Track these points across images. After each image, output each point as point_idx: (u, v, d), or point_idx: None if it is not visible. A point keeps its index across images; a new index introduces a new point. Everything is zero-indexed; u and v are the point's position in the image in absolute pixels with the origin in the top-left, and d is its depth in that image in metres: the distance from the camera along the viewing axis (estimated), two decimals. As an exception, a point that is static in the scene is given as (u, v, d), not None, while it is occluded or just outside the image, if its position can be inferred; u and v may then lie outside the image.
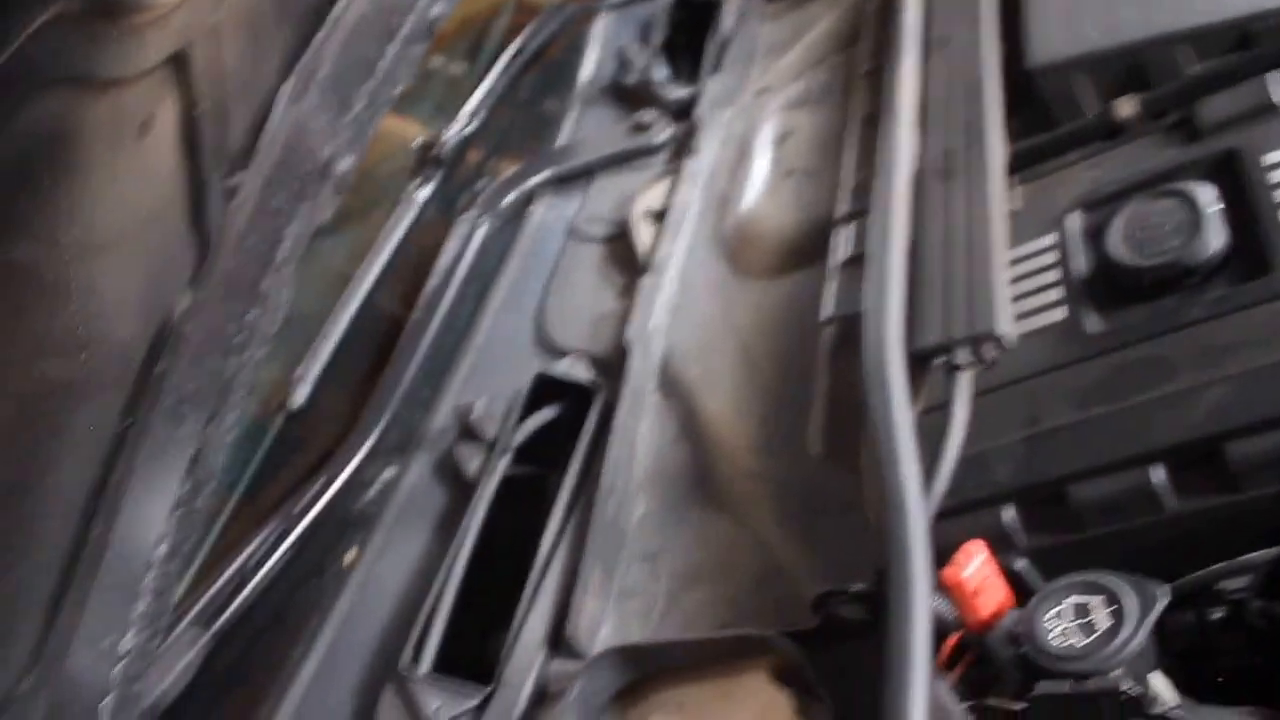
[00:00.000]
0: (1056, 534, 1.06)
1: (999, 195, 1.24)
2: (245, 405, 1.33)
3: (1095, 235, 1.18)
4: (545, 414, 1.49)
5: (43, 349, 1.03)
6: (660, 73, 1.95)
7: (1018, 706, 0.95)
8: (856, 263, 1.30)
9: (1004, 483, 1.08)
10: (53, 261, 0.99)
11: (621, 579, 1.31)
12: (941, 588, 0.97)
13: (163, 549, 1.20)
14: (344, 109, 1.39)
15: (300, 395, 1.59)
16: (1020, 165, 1.31)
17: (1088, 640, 0.91)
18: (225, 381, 1.26)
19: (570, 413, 1.49)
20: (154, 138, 1.05)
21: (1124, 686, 0.89)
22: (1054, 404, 1.10)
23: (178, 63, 1.04)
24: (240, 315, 1.27)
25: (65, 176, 0.95)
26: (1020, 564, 1.03)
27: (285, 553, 1.45)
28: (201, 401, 1.24)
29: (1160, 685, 0.92)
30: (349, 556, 1.48)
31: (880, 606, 0.95)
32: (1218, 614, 0.95)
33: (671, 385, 1.47)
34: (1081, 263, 1.18)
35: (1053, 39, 1.33)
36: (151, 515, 1.19)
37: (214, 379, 1.25)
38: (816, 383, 1.31)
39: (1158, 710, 0.89)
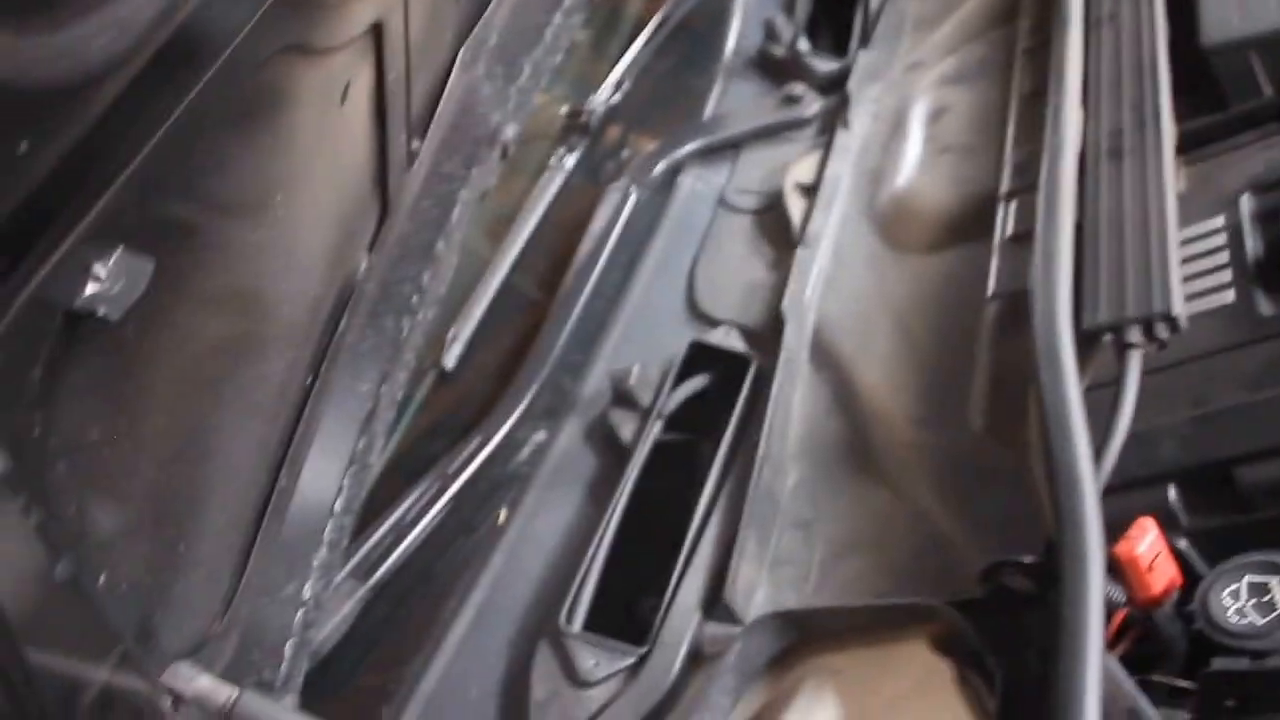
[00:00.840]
0: (1221, 515, 1.06)
1: (1170, 176, 1.25)
2: (414, 367, 1.39)
3: (1269, 217, 1.19)
4: (699, 381, 1.52)
5: (237, 307, 1.08)
6: (806, 45, 1.96)
7: (1187, 684, 0.97)
8: (1022, 240, 1.32)
9: (1169, 462, 1.09)
10: (256, 222, 1.04)
11: (775, 546, 1.33)
12: (1114, 563, 0.99)
13: (340, 502, 1.26)
14: (511, 77, 1.44)
15: (453, 356, 1.65)
16: (1187, 146, 1.32)
17: (1267, 619, 0.93)
18: (399, 341, 1.32)
19: (722, 382, 1.52)
20: (351, 104, 1.10)
21: (1306, 665, 0.90)
22: (1223, 385, 1.11)
23: (375, 32, 1.09)
24: (415, 276, 1.33)
25: (279, 141, 1.00)
26: (1181, 544, 1.04)
27: (440, 510, 1.50)
28: (377, 360, 1.30)
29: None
30: (501, 516, 1.52)
31: (1050, 579, 0.97)
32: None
33: (825, 357, 1.49)
34: (1254, 245, 1.18)
35: (1229, 18, 1.33)
36: (330, 470, 1.25)
37: (389, 338, 1.30)
38: (978, 358, 1.32)
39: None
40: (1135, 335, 1.14)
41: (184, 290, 0.95)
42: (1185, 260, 1.21)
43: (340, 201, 1.18)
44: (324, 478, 1.24)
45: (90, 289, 0.80)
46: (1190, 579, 1.01)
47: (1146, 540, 0.99)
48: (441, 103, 1.31)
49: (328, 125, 1.09)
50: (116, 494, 0.90)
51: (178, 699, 0.95)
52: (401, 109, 1.20)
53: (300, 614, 1.21)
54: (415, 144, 1.27)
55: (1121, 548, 0.99)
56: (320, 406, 1.21)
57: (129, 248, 0.81)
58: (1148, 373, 1.13)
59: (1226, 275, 1.19)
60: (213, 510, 1.07)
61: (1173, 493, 1.08)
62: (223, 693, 0.96)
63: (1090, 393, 1.13)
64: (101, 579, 0.86)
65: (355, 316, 1.24)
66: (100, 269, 0.79)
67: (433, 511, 1.50)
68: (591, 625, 1.34)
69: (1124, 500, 1.08)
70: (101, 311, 0.80)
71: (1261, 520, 1.05)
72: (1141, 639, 1.02)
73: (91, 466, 0.87)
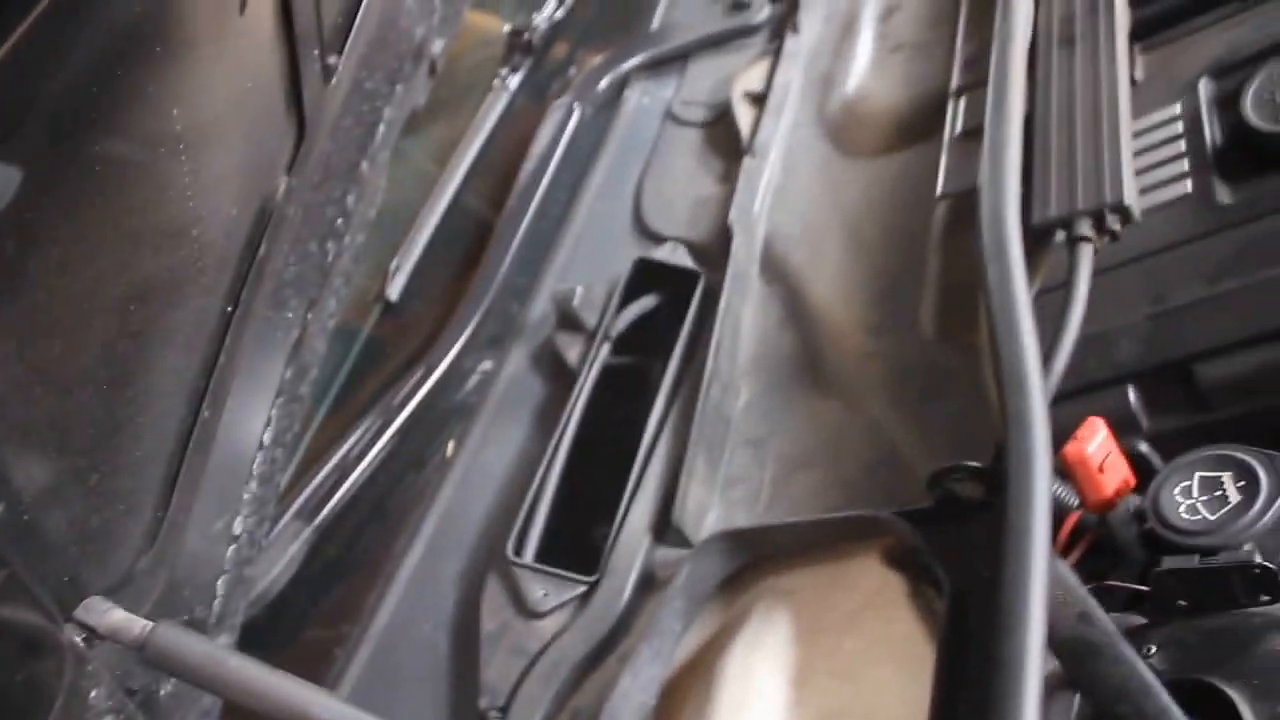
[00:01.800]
0: (1181, 415, 1.04)
1: (1123, 63, 1.21)
2: (345, 293, 1.35)
3: (1228, 102, 1.15)
4: (646, 301, 1.49)
5: (145, 239, 1.04)
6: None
7: (1141, 588, 0.95)
8: (972, 136, 1.28)
9: (1126, 362, 1.07)
10: (151, 149, 1.00)
11: (727, 466, 1.32)
12: (1063, 466, 0.97)
13: (268, 434, 1.23)
14: (437, -11, 1.39)
15: (396, 287, 1.62)
16: (1144, 32, 1.28)
17: (1218, 514, 0.90)
18: (325, 267, 1.28)
19: (671, 300, 1.50)
20: (251, 16, 1.06)
21: (1258, 559, 0.87)
22: (1181, 280, 1.08)
23: (271, -68, 1.04)
24: (339, 199, 1.28)
25: (165, 59, 0.95)
26: (1142, 447, 1.02)
27: (385, 445, 1.48)
28: (303, 287, 1.26)
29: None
30: (449, 448, 1.50)
31: (999, 484, 0.95)
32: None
33: (776, 270, 1.46)
34: (1212, 132, 1.15)
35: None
36: (257, 401, 1.22)
37: (314, 264, 1.27)
38: (929, 262, 1.30)
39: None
40: (1085, 228, 1.11)
41: (79, 212, 0.92)
42: (1141, 151, 1.17)
43: (250, 119, 1.13)
44: (250, 408, 1.20)
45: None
46: (1148, 482, 0.98)
47: (1096, 440, 0.97)
48: (359, 15, 1.26)
49: (226, 36, 1.04)
50: (11, 421, 0.87)
51: (91, 634, 0.92)
52: (311, 20, 1.15)
53: (232, 550, 1.18)
54: (332, 59, 1.22)
55: (1070, 449, 0.97)
56: (242, 335, 1.17)
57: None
58: (1102, 271, 1.11)
59: (1184, 165, 1.15)
60: (127, 442, 1.04)
61: (1132, 394, 1.05)
62: (137, 625, 0.93)
63: (1045, 296, 1.10)
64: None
65: (276, 241, 1.20)
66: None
67: (378, 447, 1.48)
68: (542, 555, 1.33)
69: (1083, 405, 1.05)
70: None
71: (1222, 419, 1.03)
72: (1096, 544, 1.00)
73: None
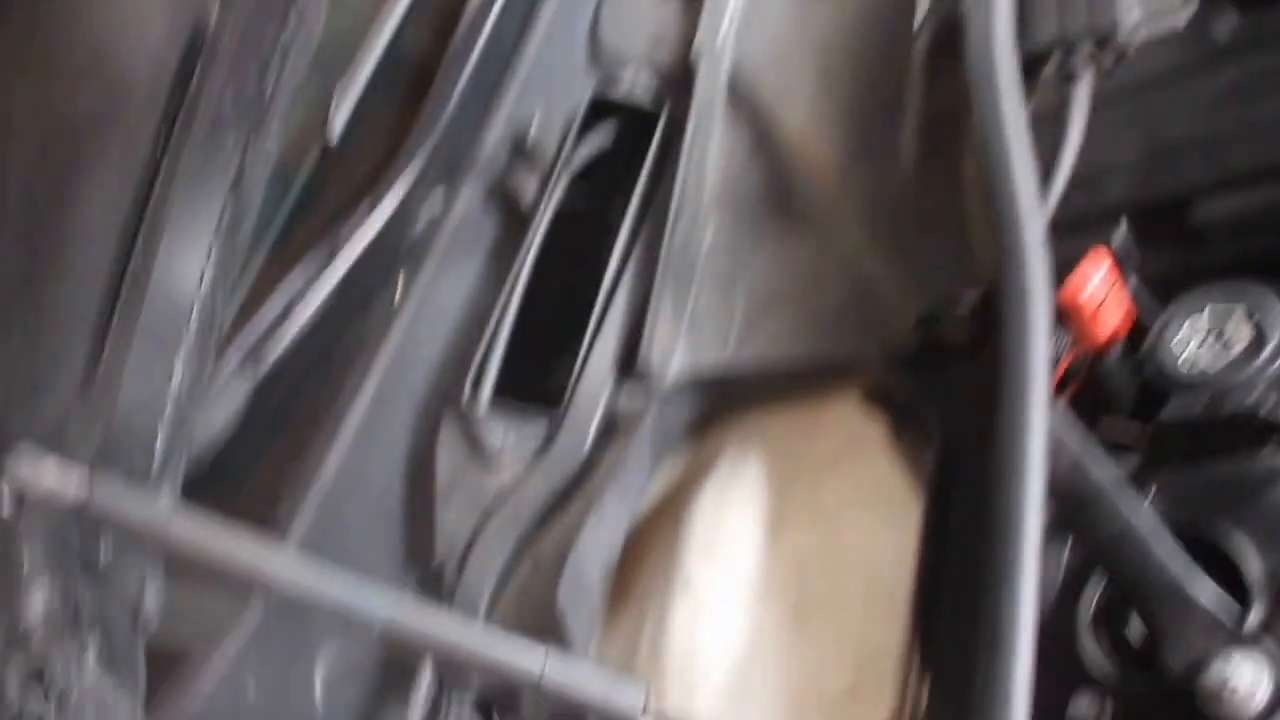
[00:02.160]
0: (1176, 254, 1.00)
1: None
2: (283, 132, 1.28)
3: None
4: (605, 132, 1.42)
5: (63, 70, 0.97)
6: None
7: (1135, 430, 0.91)
8: (956, -45, 1.21)
9: (1119, 198, 1.02)
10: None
11: (694, 305, 1.27)
12: (1058, 307, 0.92)
13: (207, 278, 1.17)
14: None
15: (338, 126, 1.53)
16: None
17: (1226, 360, 0.87)
18: (263, 100, 1.20)
19: (631, 134, 1.43)
20: None
21: (1266, 409, 0.84)
22: (1178, 114, 1.03)
23: None
24: (275, 28, 1.20)
25: None
26: (1132, 283, 0.98)
27: (331, 291, 1.41)
28: (239, 122, 1.19)
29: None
30: (398, 291, 1.44)
31: (989, 326, 0.90)
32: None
33: (744, 100, 1.39)
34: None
35: None
36: (193, 243, 1.15)
37: (251, 97, 1.19)
38: (909, 92, 1.24)
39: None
40: (1082, 56, 1.05)
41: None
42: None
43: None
44: (186, 251, 1.13)
45: None
46: (1138, 326, 0.95)
47: (1097, 276, 0.93)
48: None
49: None
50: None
51: (22, 487, 0.87)
52: None
53: (171, 398, 1.12)
54: None
55: (1068, 290, 0.92)
56: (176, 173, 1.10)
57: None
58: (1094, 108, 1.05)
59: (1183, -10, 1.08)
60: (54, 286, 0.98)
61: (1124, 231, 1.00)
62: (75, 477, 0.88)
63: (1033, 128, 1.05)
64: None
65: (209, 74, 1.12)
66: None
67: (323, 291, 1.41)
68: (502, 395, 1.29)
69: (1069, 244, 1.00)
70: None
71: (1217, 260, 0.98)
72: (1087, 386, 0.96)
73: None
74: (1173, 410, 0.88)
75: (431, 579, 1.22)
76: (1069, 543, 0.89)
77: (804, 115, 1.34)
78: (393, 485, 1.30)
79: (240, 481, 1.36)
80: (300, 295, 1.40)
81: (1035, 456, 0.80)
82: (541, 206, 1.38)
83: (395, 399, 1.35)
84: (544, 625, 1.11)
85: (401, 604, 0.90)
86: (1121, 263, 0.99)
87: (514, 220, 1.42)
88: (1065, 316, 0.93)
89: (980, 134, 0.99)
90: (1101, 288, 0.93)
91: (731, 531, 1.12)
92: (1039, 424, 0.82)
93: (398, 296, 1.43)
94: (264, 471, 1.38)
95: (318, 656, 1.17)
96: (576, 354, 1.27)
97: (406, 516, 1.28)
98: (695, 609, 1.10)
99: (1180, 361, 0.89)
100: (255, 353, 1.36)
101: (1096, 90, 1.05)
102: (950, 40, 1.16)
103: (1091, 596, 0.87)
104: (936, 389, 1.02)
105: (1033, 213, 0.92)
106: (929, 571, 0.96)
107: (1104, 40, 1.04)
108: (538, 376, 1.33)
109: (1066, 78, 1.05)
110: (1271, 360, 0.85)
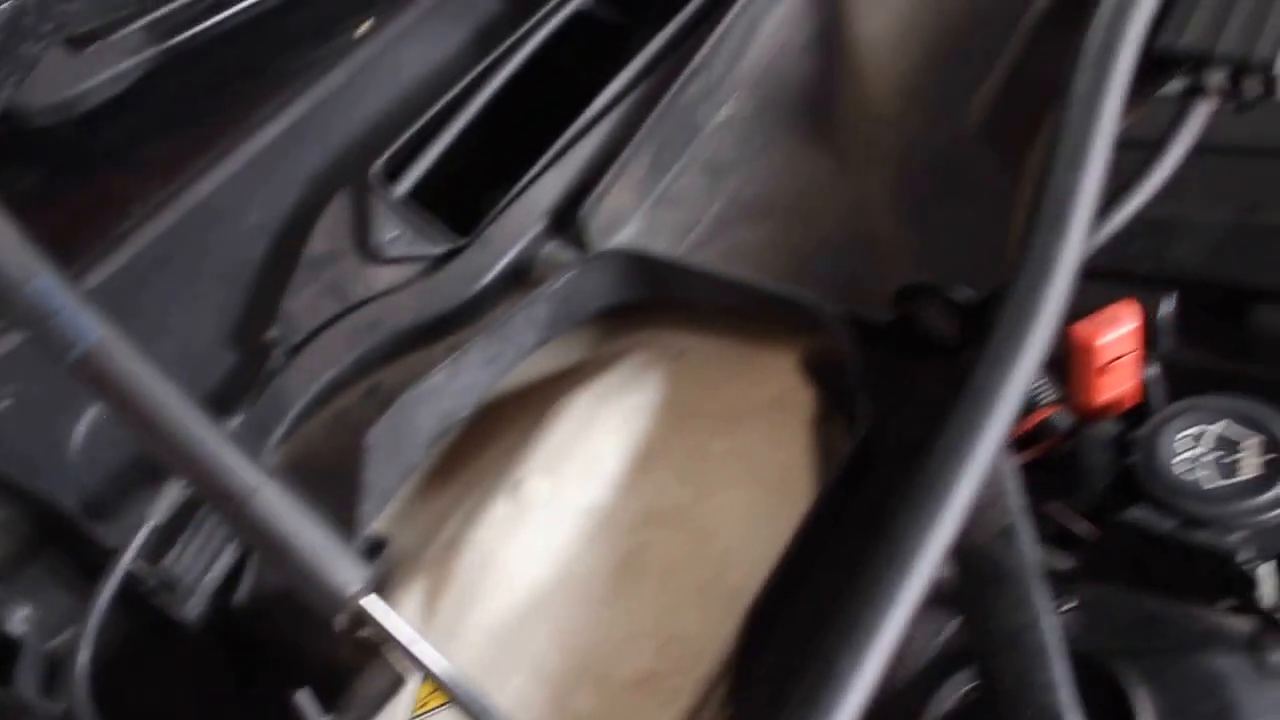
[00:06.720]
0: (1216, 353, 0.92)
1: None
2: None
3: None
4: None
5: None
6: None
7: (1085, 527, 0.82)
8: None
9: (1181, 265, 0.94)
10: None
11: (671, 181, 1.18)
12: (1063, 344, 0.82)
13: None
14: None
15: None
16: None
17: (1224, 482, 0.77)
18: None
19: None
20: None
21: (1242, 556, 0.75)
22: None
23: None
24: None
25: None
26: (1151, 371, 0.88)
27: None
28: None
29: (1269, 578, 0.77)
30: (363, 28, 1.34)
31: (981, 326, 0.80)
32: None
33: (829, -17, 1.28)
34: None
35: None
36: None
37: None
38: (1006, 48, 1.13)
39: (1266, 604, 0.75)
40: (1216, 78, 0.93)
41: None
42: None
43: None
44: None
45: None
46: (1143, 410, 0.86)
47: (1124, 329, 0.82)
48: None
49: None
50: None
51: None
52: None
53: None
54: None
55: (1082, 327, 0.82)
56: None
57: None
58: (1198, 150, 0.94)
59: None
60: None
61: (1170, 305, 0.90)
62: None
63: (1123, 150, 0.94)
64: None
65: None
66: None
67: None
68: (413, 197, 1.19)
69: (1103, 290, 0.89)
70: None
71: (1259, 375, 0.89)
72: (1053, 454, 0.86)
73: None
74: (1140, 515, 0.78)
75: (254, 355, 1.13)
76: (953, 622, 0.80)
77: (888, 27, 1.24)
78: (257, 237, 1.21)
79: (104, 157, 1.28)
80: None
81: (963, 494, 0.70)
82: (559, -6, 1.28)
83: (307, 142, 1.25)
84: (344, 461, 1.01)
85: (114, 337, 0.78)
86: (1155, 336, 0.89)
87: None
88: (1067, 358, 0.84)
89: (1061, 121, 0.89)
90: (1122, 344, 0.83)
91: (591, 449, 1.02)
92: (982, 458, 0.72)
93: (360, 30, 1.33)
94: (134, 159, 1.27)
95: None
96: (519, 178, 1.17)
97: (256, 277, 1.19)
98: (514, 516, 0.99)
99: (1175, 461, 0.79)
100: (173, 25, 1.25)
101: (1208, 130, 0.94)
102: (1076, 10, 1.05)
103: (952, 692, 0.77)
104: (889, 378, 0.92)
105: (1080, 227, 0.82)
106: (788, 576, 0.87)
107: (1248, 70, 0.93)
108: (466, 189, 1.23)
109: (1190, 92, 0.94)
110: (1273, 505, 0.75)
